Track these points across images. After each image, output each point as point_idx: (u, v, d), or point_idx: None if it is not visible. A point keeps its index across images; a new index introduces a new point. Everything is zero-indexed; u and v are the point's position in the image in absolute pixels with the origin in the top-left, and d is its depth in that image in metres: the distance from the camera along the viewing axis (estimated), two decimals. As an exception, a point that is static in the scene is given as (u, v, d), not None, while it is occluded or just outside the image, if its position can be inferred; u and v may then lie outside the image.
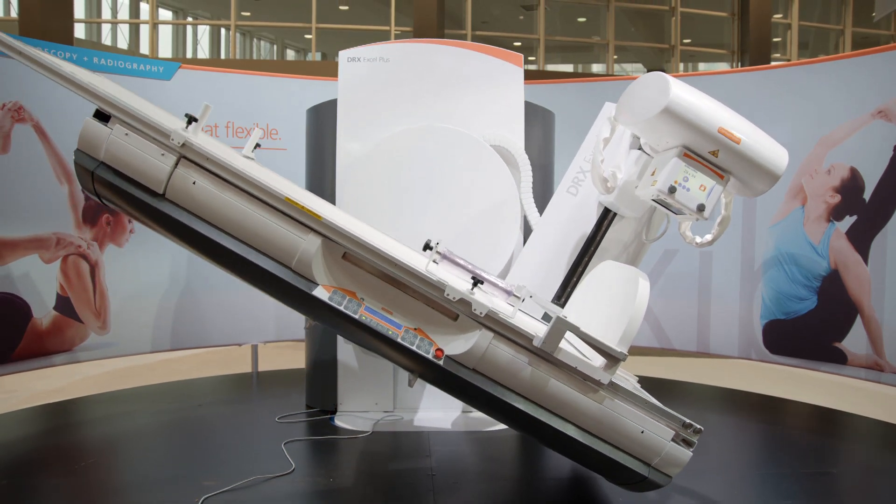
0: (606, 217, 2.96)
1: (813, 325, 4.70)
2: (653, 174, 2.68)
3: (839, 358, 4.58)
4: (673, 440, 2.47)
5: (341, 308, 2.35)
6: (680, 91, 2.56)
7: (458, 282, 2.45)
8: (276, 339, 5.31)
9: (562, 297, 3.02)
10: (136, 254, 4.79)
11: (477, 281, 2.40)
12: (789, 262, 4.78)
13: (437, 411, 4.09)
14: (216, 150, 2.42)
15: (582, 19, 16.17)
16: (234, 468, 3.16)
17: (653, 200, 2.69)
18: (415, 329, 2.40)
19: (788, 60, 15.68)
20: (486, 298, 2.42)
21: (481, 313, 2.35)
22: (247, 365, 5.38)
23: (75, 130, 4.44)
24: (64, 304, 4.49)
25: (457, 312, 2.41)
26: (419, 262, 2.47)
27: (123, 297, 4.76)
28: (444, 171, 3.83)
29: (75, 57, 4.50)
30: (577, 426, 2.44)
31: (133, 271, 4.79)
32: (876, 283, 4.40)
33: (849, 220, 4.53)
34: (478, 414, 3.96)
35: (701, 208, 2.58)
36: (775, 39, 15.71)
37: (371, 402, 4.08)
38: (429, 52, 3.99)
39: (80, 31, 13.80)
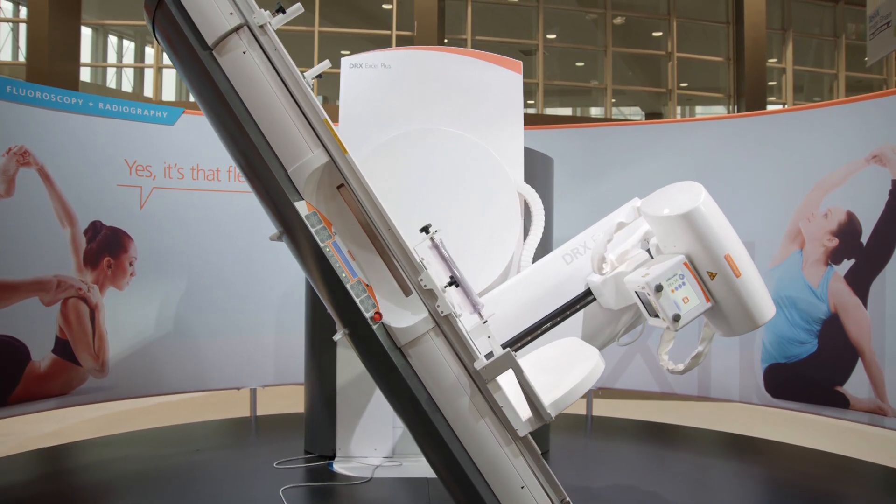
0: (585, 298, 2.97)
1: (814, 369, 4.68)
2: (649, 268, 2.71)
3: (841, 402, 4.55)
4: None
5: (312, 231, 2.32)
6: (708, 205, 2.62)
7: (437, 272, 2.43)
8: (274, 382, 5.28)
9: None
10: (135, 297, 4.79)
11: (454, 282, 2.40)
12: (789, 306, 4.79)
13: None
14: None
15: (580, 64, 16.43)
16: (231, 515, 3.13)
17: (636, 292, 2.71)
18: (367, 285, 2.38)
19: (784, 103, 15.90)
20: (453, 301, 2.40)
21: (443, 312, 2.34)
22: (245, 409, 5.35)
23: (79, 174, 4.51)
24: (63, 347, 4.49)
25: (412, 290, 2.38)
26: (408, 237, 2.44)
27: (122, 340, 4.75)
28: (443, 174, 3.83)
29: (81, 103, 4.56)
30: (464, 448, 2.37)
31: (133, 315, 4.79)
32: (876, 327, 4.40)
33: (847, 264, 4.55)
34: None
35: (676, 318, 2.59)
36: (771, 83, 15.96)
37: (370, 447, 4.04)
38: (430, 58, 4.03)
39: (85, 75, 14.01)
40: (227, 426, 5.16)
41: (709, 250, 2.59)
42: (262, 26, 2.34)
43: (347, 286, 2.32)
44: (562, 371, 2.57)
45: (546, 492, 2.38)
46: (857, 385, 4.49)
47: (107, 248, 4.68)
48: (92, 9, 13.92)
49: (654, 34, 15.86)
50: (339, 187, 2.44)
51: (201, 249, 5.03)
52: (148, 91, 14.37)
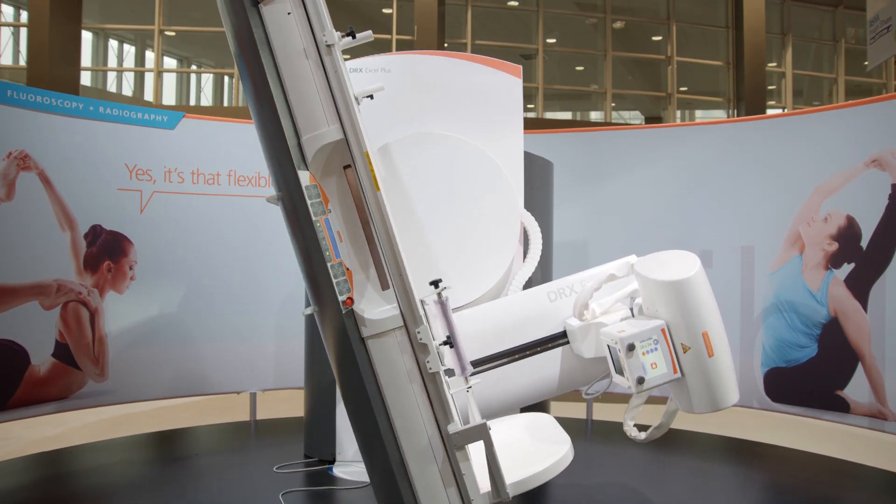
0: (559, 339, 2.98)
1: (814, 373, 4.68)
2: (627, 326, 2.72)
3: (842, 406, 4.55)
4: None
5: (308, 202, 2.33)
6: (698, 279, 2.62)
7: (434, 326, 2.43)
8: (274, 386, 5.28)
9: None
10: (135, 301, 4.79)
11: (449, 342, 2.39)
12: (789, 310, 4.79)
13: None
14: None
15: (580, 68, 16.45)
16: (230, 520, 3.13)
17: (608, 346, 2.71)
18: (347, 269, 2.37)
19: (784, 107, 15.91)
20: (445, 359, 2.39)
21: (431, 369, 2.32)
22: (245, 413, 5.35)
23: (79, 178, 4.52)
24: (63, 351, 4.48)
25: (390, 284, 2.38)
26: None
27: (122, 344, 4.75)
28: (441, 179, 3.82)
29: (81, 107, 4.57)
30: (406, 474, 2.34)
31: (133, 318, 4.79)
32: (876, 331, 4.39)
33: (847, 268, 4.55)
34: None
35: (640, 381, 2.57)
36: (770, 87, 15.96)
37: (370, 451, 4.03)
38: (429, 62, 4.03)
39: (85, 79, 14.02)
40: (227, 430, 5.16)
41: (688, 323, 2.59)
42: (329, 46, 2.37)
43: (328, 265, 2.32)
44: (534, 447, 2.58)
45: None
46: (857, 389, 4.48)
47: (107, 252, 4.68)
48: (93, 13, 13.94)
49: (654, 38, 15.88)
50: (345, 168, 2.45)
51: (201, 253, 5.03)
52: (148, 95, 14.38)
